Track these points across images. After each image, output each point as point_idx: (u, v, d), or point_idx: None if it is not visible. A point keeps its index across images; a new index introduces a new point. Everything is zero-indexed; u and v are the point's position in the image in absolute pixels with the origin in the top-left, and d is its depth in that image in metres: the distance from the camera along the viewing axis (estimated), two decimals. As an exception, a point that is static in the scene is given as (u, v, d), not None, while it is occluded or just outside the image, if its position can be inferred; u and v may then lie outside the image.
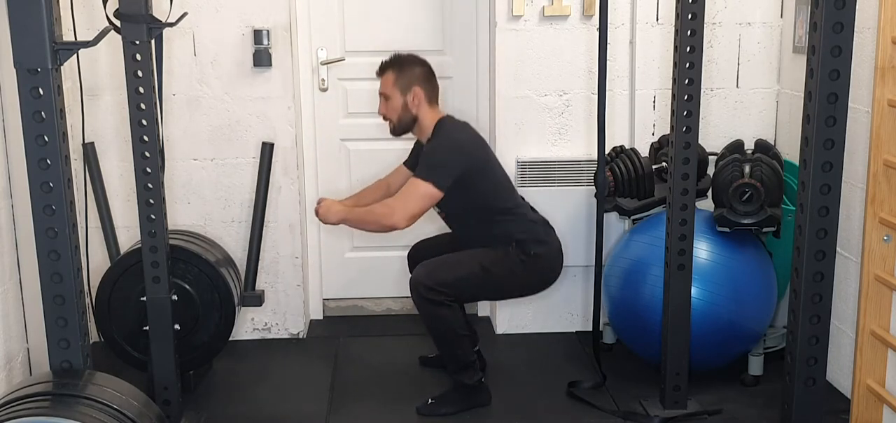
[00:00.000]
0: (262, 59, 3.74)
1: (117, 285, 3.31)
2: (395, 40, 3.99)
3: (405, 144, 4.06)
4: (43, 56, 2.25)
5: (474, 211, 3.29)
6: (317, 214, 3.33)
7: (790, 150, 3.67)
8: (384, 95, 3.31)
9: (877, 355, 2.96)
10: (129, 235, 3.74)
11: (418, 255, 3.47)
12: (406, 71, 3.27)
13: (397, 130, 3.34)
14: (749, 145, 3.56)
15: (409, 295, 4.22)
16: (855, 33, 2.45)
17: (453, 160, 3.18)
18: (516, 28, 3.79)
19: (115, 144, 3.77)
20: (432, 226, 3.79)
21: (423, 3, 4.00)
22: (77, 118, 3.15)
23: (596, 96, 3.34)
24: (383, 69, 3.32)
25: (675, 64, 3.03)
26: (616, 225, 3.88)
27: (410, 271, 3.36)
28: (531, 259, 3.27)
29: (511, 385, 3.54)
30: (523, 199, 3.43)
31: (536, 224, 3.35)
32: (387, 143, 4.08)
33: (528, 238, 3.28)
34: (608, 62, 3.25)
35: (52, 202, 2.34)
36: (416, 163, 3.29)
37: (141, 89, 2.79)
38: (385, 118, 3.35)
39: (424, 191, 3.14)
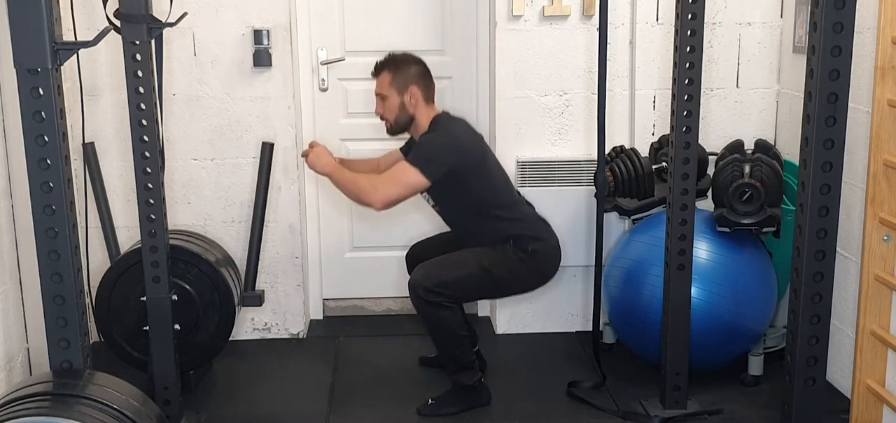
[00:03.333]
0: (262, 59, 3.74)
1: (117, 285, 3.31)
2: (395, 40, 3.99)
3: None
4: (43, 56, 2.25)
5: (470, 207, 3.28)
6: (305, 157, 3.30)
7: (790, 150, 3.67)
8: (381, 96, 3.30)
9: (877, 355, 2.96)
10: (129, 235, 3.74)
11: (417, 256, 3.47)
12: (402, 70, 3.26)
13: (394, 130, 3.33)
14: (749, 145, 3.56)
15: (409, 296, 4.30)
16: (855, 33, 2.46)
17: (447, 154, 3.15)
18: (516, 28, 3.79)
19: (115, 144, 3.77)
20: (431, 225, 3.79)
21: (422, 3, 4.00)
22: (77, 118, 3.15)
23: (596, 96, 3.33)
24: (379, 69, 3.30)
25: (675, 64, 3.03)
26: (616, 225, 3.88)
27: (409, 273, 3.35)
28: (529, 256, 3.26)
29: (511, 385, 3.54)
30: (521, 196, 3.42)
31: (533, 221, 3.35)
32: (386, 143, 4.08)
33: (524, 235, 3.26)
34: (608, 62, 3.25)
35: (52, 202, 2.34)
36: (410, 150, 3.27)
37: (141, 89, 2.79)
38: (382, 118, 3.34)
39: (411, 178, 3.11)
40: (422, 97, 3.26)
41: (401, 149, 3.51)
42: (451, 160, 3.14)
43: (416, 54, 3.34)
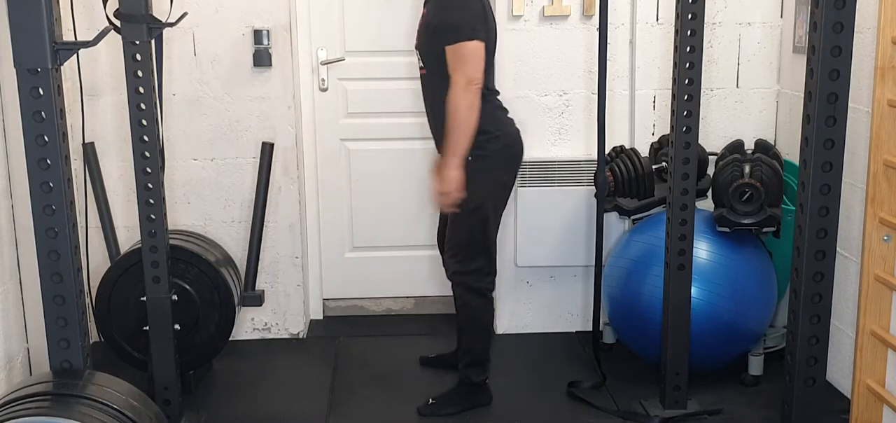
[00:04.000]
0: (262, 59, 3.73)
1: (117, 285, 3.31)
2: (395, 40, 3.99)
3: (405, 145, 4.07)
4: (43, 56, 2.25)
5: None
6: (443, 199, 3.12)
7: (790, 150, 3.67)
8: None
9: (877, 355, 2.96)
10: (129, 235, 3.74)
11: (441, 233, 3.45)
12: None
13: None
14: (749, 145, 3.56)
15: (409, 295, 4.30)
16: (855, 33, 2.46)
17: (470, 8, 3.03)
18: (516, 28, 3.79)
19: (115, 144, 3.77)
20: (429, 220, 3.78)
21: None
22: (77, 118, 3.15)
23: (596, 96, 3.33)
24: None
25: (675, 64, 3.03)
26: (616, 225, 3.88)
27: (441, 255, 3.41)
28: (493, 157, 3.16)
29: (511, 385, 3.54)
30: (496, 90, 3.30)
31: (496, 113, 3.22)
32: (387, 143, 4.10)
33: (489, 131, 3.13)
34: (608, 62, 3.25)
35: (52, 202, 2.34)
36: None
37: (141, 89, 2.79)
38: None
39: (469, 50, 2.98)
40: None
41: None
42: (478, 14, 3.02)
43: None
